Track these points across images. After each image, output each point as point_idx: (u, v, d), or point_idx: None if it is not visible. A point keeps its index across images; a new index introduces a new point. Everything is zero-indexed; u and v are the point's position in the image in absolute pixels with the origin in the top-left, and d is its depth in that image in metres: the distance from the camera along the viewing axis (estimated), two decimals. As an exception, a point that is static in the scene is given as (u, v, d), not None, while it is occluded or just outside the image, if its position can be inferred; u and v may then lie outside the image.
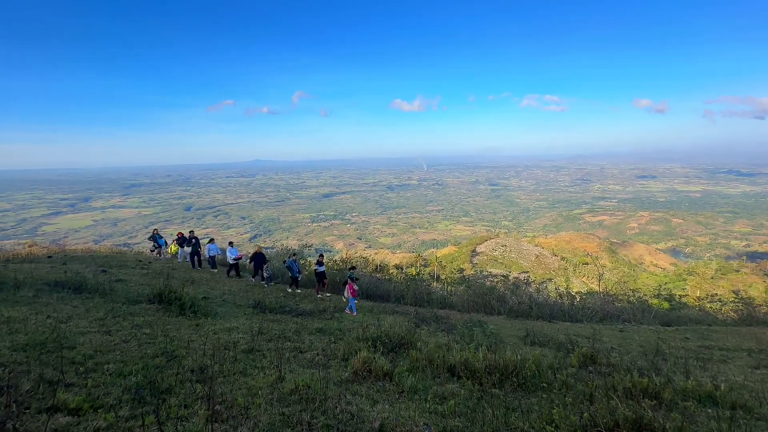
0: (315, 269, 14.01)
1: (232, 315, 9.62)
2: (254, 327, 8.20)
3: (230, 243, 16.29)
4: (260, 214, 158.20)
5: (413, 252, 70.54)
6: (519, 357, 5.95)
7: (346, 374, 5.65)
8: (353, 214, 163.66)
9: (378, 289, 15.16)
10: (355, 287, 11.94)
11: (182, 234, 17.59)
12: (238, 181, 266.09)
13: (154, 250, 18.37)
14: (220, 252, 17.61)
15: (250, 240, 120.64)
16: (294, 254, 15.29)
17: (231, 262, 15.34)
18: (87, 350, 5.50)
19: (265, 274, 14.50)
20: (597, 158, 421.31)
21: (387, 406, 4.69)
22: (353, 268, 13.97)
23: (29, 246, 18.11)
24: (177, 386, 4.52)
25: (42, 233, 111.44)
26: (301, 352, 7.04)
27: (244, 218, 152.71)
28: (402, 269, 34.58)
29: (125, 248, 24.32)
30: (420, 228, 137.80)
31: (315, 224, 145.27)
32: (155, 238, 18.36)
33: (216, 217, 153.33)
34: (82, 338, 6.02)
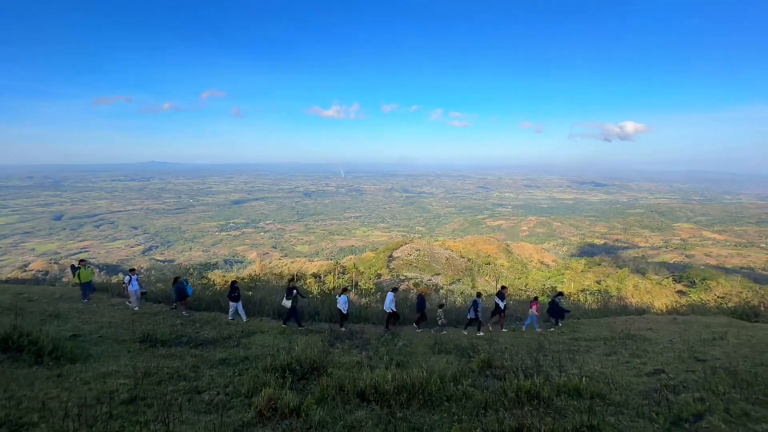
0: (496, 302, 12.51)
1: (111, 355, 8.18)
2: (140, 368, 7.09)
3: (395, 289, 13.28)
4: (157, 224, 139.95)
5: (331, 259, 69.79)
6: (425, 373, 6.26)
7: (249, 416, 5.23)
8: (267, 222, 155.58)
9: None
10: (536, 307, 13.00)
11: (236, 282, 12.81)
12: (128, 186, 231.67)
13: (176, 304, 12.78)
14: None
15: (143, 253, 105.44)
16: (479, 294, 13.23)
17: (390, 310, 12.25)
18: None
19: (439, 321, 12.79)
20: (495, 169, 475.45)
21: (293, 448, 4.47)
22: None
23: None
24: (20, 470, 3.63)
25: None
26: (198, 393, 6.32)
27: (135, 228, 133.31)
28: (320, 278, 33.90)
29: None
30: (338, 235, 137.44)
31: (224, 233, 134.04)
32: (180, 286, 12.45)
33: (98, 227, 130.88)
34: None
